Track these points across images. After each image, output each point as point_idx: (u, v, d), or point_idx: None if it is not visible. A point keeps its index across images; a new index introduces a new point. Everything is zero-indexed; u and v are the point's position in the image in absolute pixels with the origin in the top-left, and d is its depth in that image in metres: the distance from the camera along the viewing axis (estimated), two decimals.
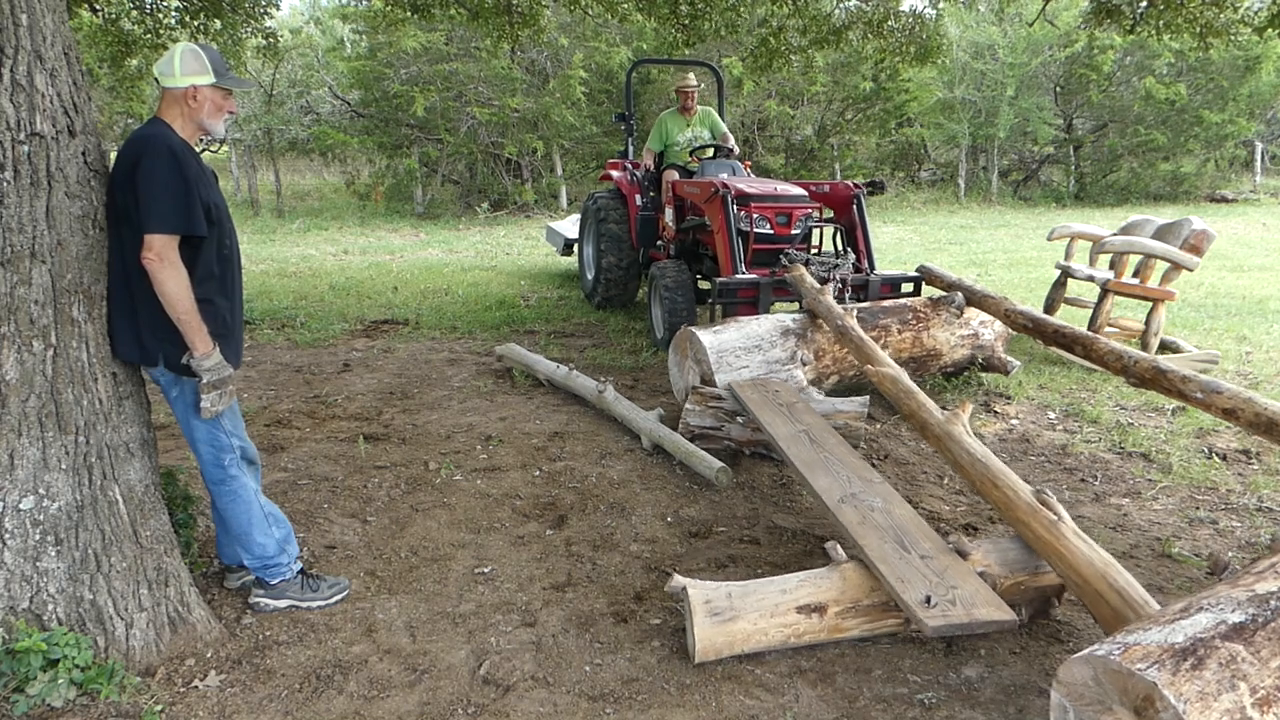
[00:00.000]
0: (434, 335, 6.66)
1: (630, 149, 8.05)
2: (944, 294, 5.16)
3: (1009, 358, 5.37)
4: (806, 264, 5.42)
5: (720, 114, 7.76)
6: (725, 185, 5.72)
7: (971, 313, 5.17)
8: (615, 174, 7.44)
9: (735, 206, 5.62)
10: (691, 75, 7.46)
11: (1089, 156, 19.68)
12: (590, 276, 7.69)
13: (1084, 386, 5.36)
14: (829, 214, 6.16)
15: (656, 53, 14.93)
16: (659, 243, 6.98)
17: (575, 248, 8.87)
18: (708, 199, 5.82)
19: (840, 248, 6.03)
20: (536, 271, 10.10)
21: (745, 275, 5.37)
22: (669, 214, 6.73)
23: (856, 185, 6.09)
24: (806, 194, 5.96)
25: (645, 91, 17.62)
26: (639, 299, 7.69)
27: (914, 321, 5.01)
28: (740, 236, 5.60)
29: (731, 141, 7.16)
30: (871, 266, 5.81)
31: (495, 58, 14.93)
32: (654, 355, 6.06)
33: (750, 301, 5.26)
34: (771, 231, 5.70)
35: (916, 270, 5.44)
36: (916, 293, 5.53)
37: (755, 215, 5.68)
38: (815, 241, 6.08)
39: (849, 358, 4.75)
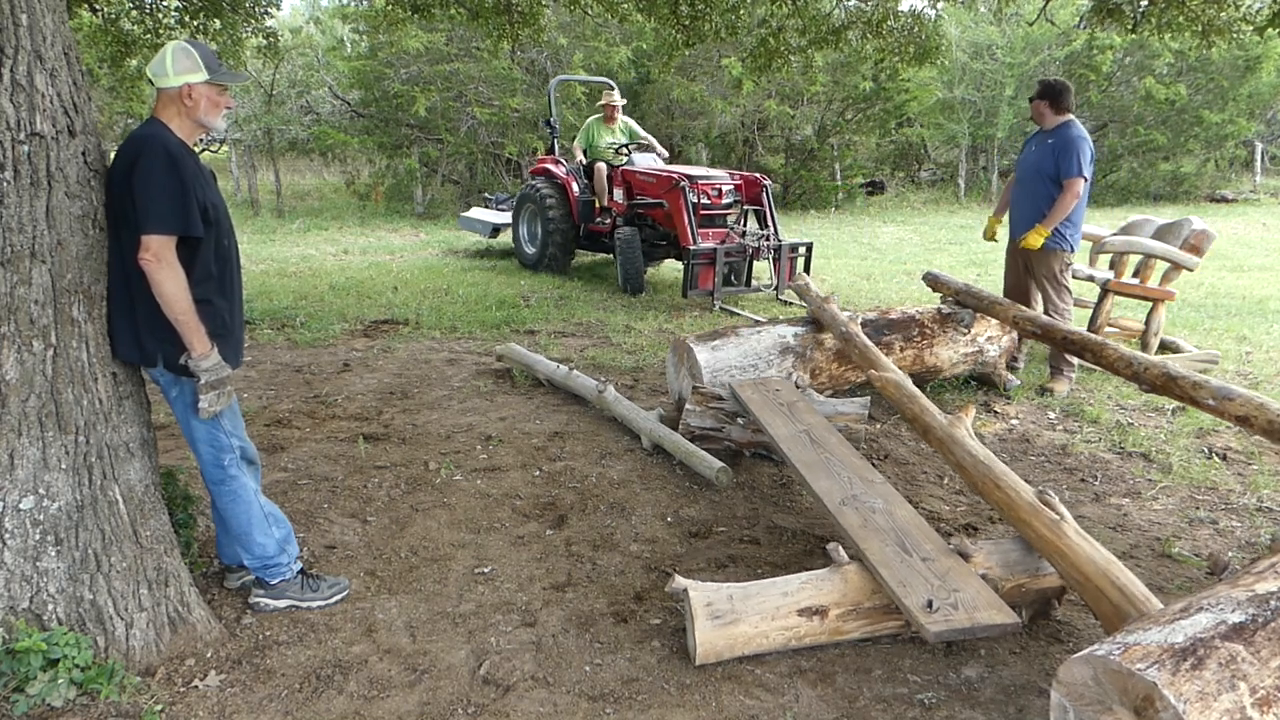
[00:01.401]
0: (434, 335, 6.66)
1: (555, 148, 10.31)
2: (953, 310, 5.05)
3: (1010, 376, 5.28)
4: (743, 234, 8.09)
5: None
6: (683, 177, 7.95)
7: (979, 327, 5.07)
8: (554, 168, 9.54)
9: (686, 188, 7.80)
10: (616, 92, 9.64)
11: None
12: (533, 250, 9.86)
13: (1084, 386, 5.36)
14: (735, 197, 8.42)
15: (658, 54, 14.93)
16: (596, 219, 9.18)
17: (499, 231, 11.05)
18: (669, 189, 7.97)
19: (760, 225, 8.41)
20: (536, 271, 10.11)
21: (706, 244, 7.69)
22: (617, 194, 8.81)
23: (763, 177, 8.51)
24: (728, 175, 8.46)
25: (646, 91, 17.63)
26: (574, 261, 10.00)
27: (919, 339, 4.93)
28: (689, 208, 7.81)
29: (652, 140, 9.43)
30: (779, 239, 8.14)
31: (495, 58, 14.92)
32: (654, 355, 6.07)
33: (709, 263, 7.55)
34: (709, 202, 8.00)
35: (923, 277, 5.44)
36: (808, 257, 8.09)
37: (699, 191, 7.93)
38: (739, 222, 8.40)
39: (845, 374, 4.73)
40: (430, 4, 7.61)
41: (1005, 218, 5.51)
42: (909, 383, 3.69)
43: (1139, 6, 6.94)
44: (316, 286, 8.69)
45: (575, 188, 9.24)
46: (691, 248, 7.53)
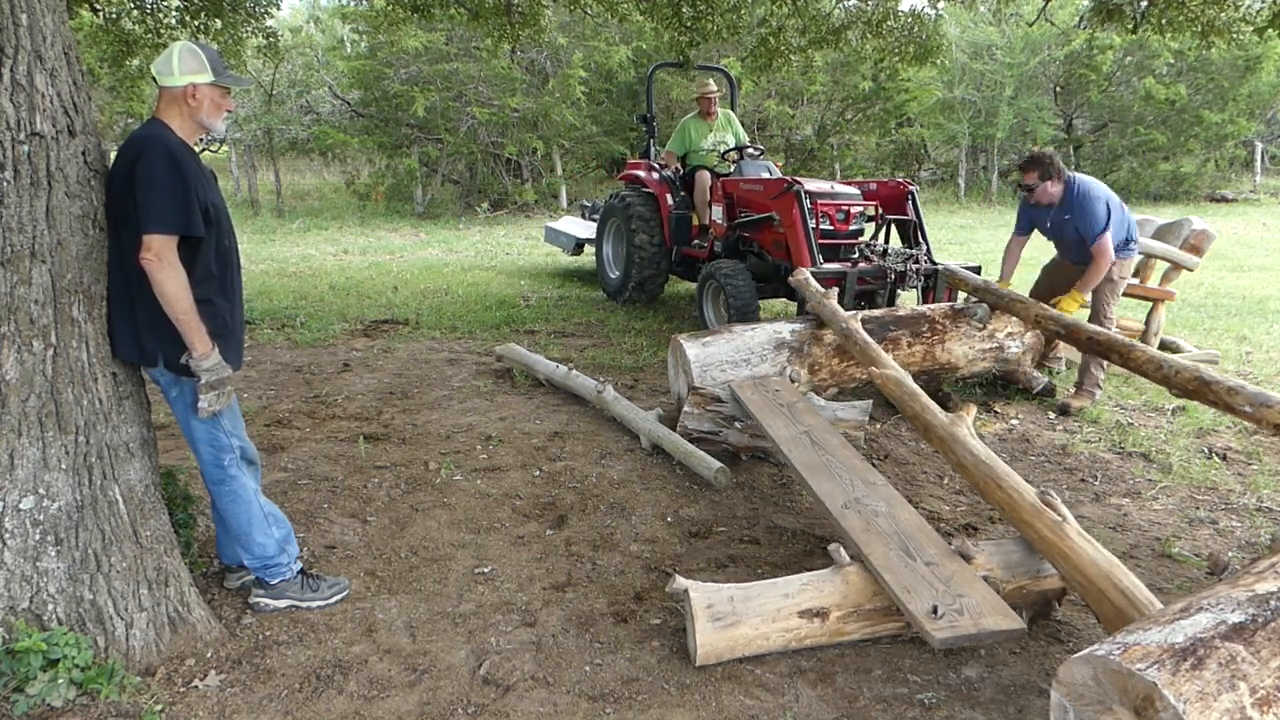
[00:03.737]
0: (434, 335, 6.66)
1: (652, 150, 8.13)
2: (966, 305, 4.96)
3: (1036, 374, 5.14)
4: (884, 254, 5.94)
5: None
6: (798, 182, 6.01)
7: (999, 322, 4.95)
8: (643, 175, 7.64)
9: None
10: (712, 81, 7.64)
11: (1089, 156, 19.68)
12: (617, 274, 7.89)
13: None
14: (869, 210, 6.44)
15: (657, 54, 14.94)
16: (694, 241, 7.30)
17: (584, 247, 9.11)
18: (778, 195, 6.08)
19: (904, 242, 6.39)
20: (536, 271, 10.10)
21: (831, 265, 5.67)
22: (716, 212, 6.91)
23: (909, 182, 6.46)
24: (860, 193, 6.33)
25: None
26: (662, 294, 8.00)
27: (928, 334, 4.79)
28: (806, 220, 5.88)
29: (756, 144, 7.49)
30: (932, 260, 5.98)
31: (495, 58, 14.93)
32: (654, 355, 6.06)
33: (836, 290, 5.40)
34: (832, 228, 5.99)
35: (940, 271, 5.35)
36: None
37: (819, 212, 5.96)
38: (869, 238, 6.35)
39: (848, 370, 4.64)
40: (430, 4, 7.62)
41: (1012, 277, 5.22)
42: (910, 380, 3.66)
43: (1139, 7, 6.94)
44: (316, 286, 8.69)
45: (670, 200, 7.36)
46: (810, 270, 5.27)
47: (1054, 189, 4.78)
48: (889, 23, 7.55)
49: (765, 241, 6.41)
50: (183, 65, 2.43)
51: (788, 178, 6.21)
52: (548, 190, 17.05)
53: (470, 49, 15.47)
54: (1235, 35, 6.96)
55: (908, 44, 7.65)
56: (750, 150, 7.17)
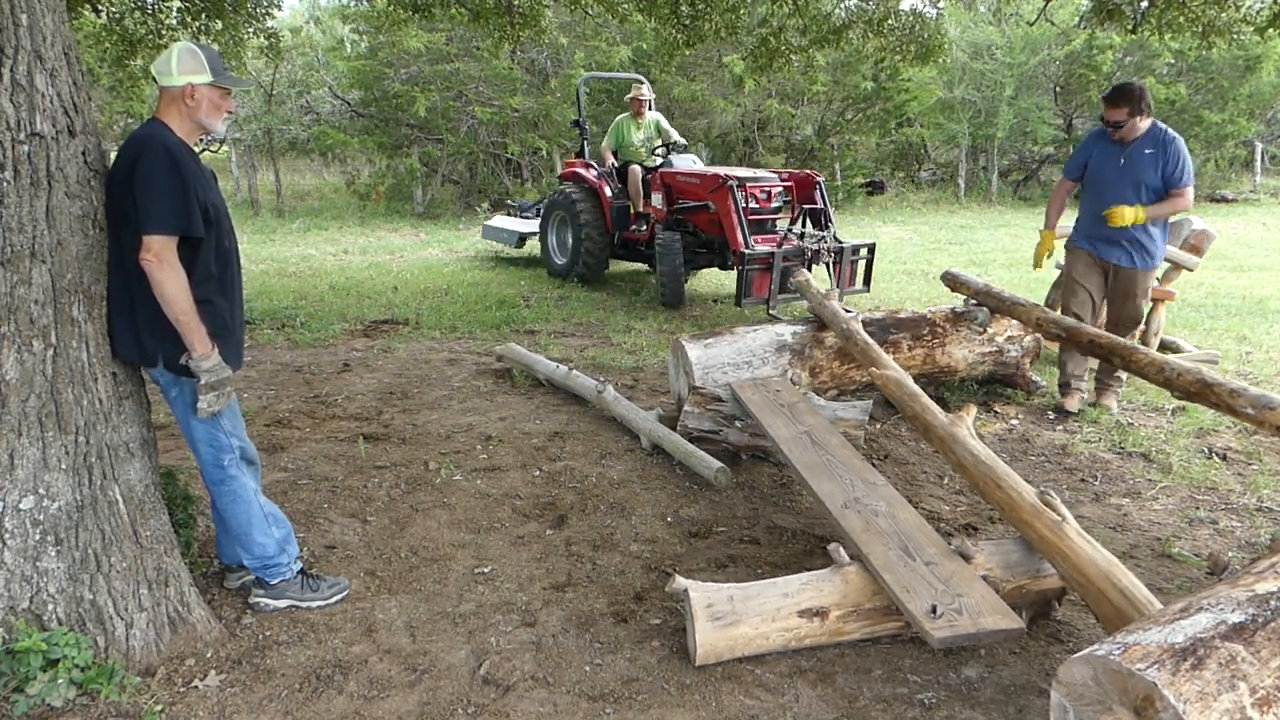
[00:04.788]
0: (434, 335, 6.66)
1: (586, 150, 9.56)
2: (967, 309, 4.95)
3: (1035, 377, 5.14)
4: (801, 237, 7.27)
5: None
6: (729, 176, 7.25)
7: (999, 326, 4.93)
8: (583, 172, 8.87)
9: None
10: (645, 87, 8.90)
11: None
12: (564, 260, 9.18)
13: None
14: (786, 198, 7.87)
15: (658, 53, 14.94)
16: (632, 226, 8.59)
17: (526, 240, 10.49)
18: (714, 189, 7.33)
19: (813, 225, 7.62)
20: (536, 271, 10.11)
21: (762, 246, 6.98)
22: (657, 199, 8.17)
23: (817, 174, 7.84)
24: (776, 176, 7.81)
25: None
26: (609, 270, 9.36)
27: (929, 337, 4.80)
28: (739, 210, 7.17)
29: (681, 139, 8.96)
30: (839, 240, 7.28)
31: (496, 58, 14.93)
32: (654, 355, 6.06)
33: (766, 268, 6.76)
34: (758, 206, 7.38)
35: (942, 276, 5.37)
36: (870, 259, 7.30)
37: (748, 194, 7.27)
38: (797, 226, 7.61)
39: (849, 373, 4.66)
40: (431, 4, 7.61)
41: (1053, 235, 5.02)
42: (910, 381, 3.66)
43: (1139, 7, 6.94)
44: (316, 286, 8.70)
45: (608, 192, 8.62)
46: (745, 252, 6.72)
47: (1142, 124, 4.56)
48: (890, 22, 7.54)
49: (700, 222, 7.87)
50: (181, 65, 2.43)
51: (720, 173, 7.47)
52: (548, 190, 17.06)
53: (471, 49, 15.47)
54: (1235, 35, 6.95)
55: (909, 44, 7.65)
56: (681, 145, 8.76)
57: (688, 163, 8.43)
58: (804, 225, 7.54)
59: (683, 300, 7.87)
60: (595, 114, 16.87)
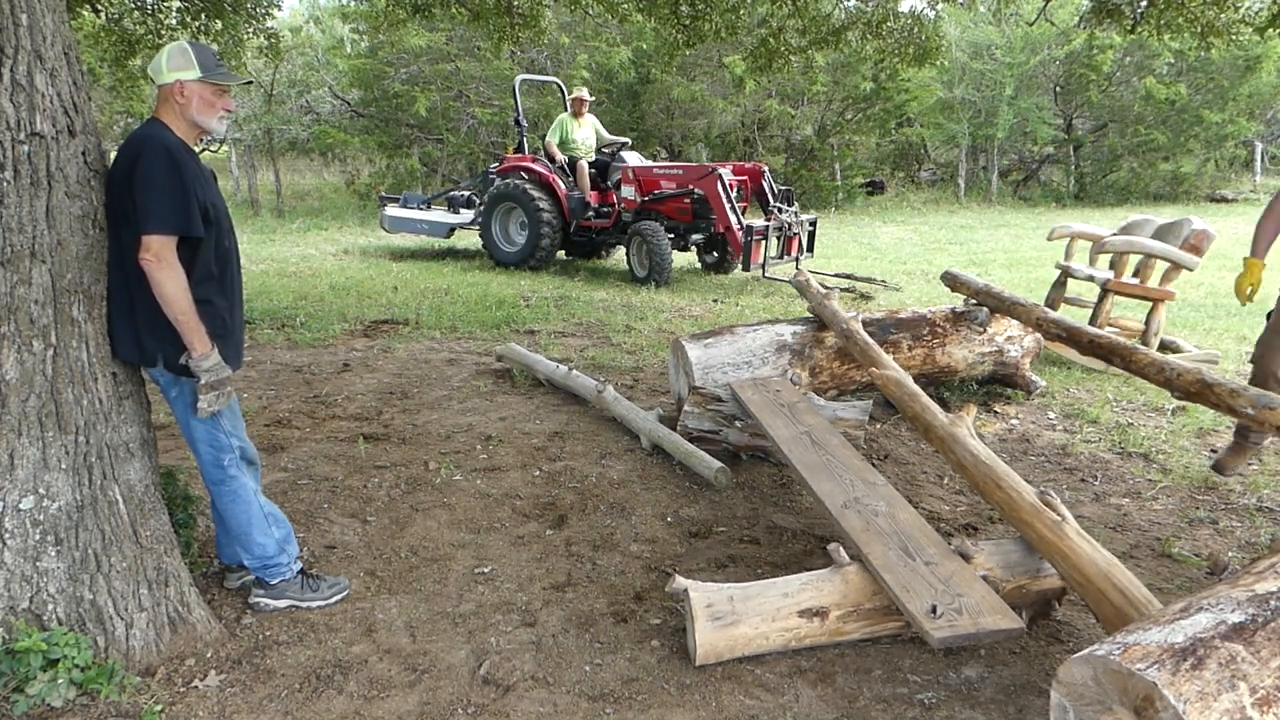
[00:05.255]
0: (434, 335, 6.66)
1: (525, 146, 10.51)
2: (967, 309, 4.94)
3: (1035, 377, 5.12)
4: (780, 212, 8.78)
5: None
6: (719, 167, 8.78)
7: (999, 326, 4.93)
8: (535, 166, 9.62)
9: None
10: (586, 90, 10.09)
11: (1089, 156, 19.69)
12: (516, 248, 9.91)
13: (1084, 386, 5.36)
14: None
15: (658, 54, 14.97)
16: (586, 214, 9.56)
17: (454, 231, 11.08)
18: (703, 176, 8.76)
19: (763, 208, 9.03)
20: (536, 271, 10.11)
21: (757, 221, 8.52)
22: (629, 191, 9.28)
23: (761, 164, 9.24)
24: (731, 170, 9.08)
25: (646, 91, 17.61)
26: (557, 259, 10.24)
27: (929, 337, 4.79)
28: (727, 193, 8.54)
29: (623, 139, 10.28)
30: (798, 215, 8.97)
31: (496, 58, 14.94)
32: (654, 355, 6.07)
33: (763, 238, 8.43)
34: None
35: (942, 276, 5.37)
36: (813, 231, 9.10)
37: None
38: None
39: (849, 373, 4.65)
40: (431, 4, 7.62)
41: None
42: (910, 381, 3.66)
43: (1138, 7, 6.94)
44: (316, 286, 8.69)
45: (562, 185, 9.46)
46: (749, 225, 8.35)
47: None
48: (889, 24, 7.55)
49: (670, 211, 9.06)
50: (171, 63, 2.43)
51: (708, 164, 9.01)
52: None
53: (471, 49, 15.48)
54: (1234, 36, 6.95)
55: (907, 45, 7.65)
56: (627, 144, 10.07)
57: (636, 158, 9.77)
58: (775, 206, 8.96)
59: (670, 279, 8.88)
60: (594, 114, 16.90)
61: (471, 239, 11.64)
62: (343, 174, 19.67)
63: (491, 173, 10.44)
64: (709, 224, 8.94)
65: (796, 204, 9.06)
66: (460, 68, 15.41)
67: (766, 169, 9.18)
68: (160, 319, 2.39)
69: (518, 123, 10.53)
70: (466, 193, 11.73)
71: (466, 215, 11.08)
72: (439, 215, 11.27)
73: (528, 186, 9.49)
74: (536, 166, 9.62)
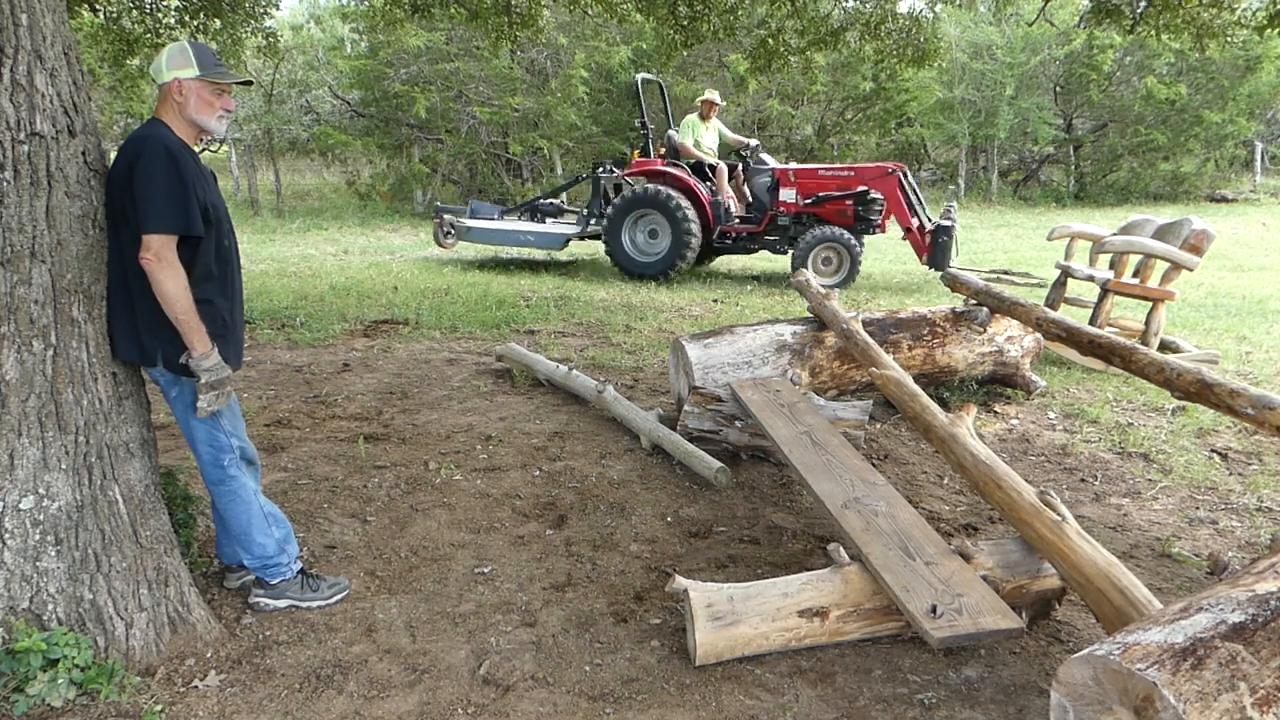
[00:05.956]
0: (434, 335, 6.66)
1: (651, 149, 9.91)
2: (967, 309, 4.93)
3: (1035, 377, 5.10)
4: (944, 214, 8.62)
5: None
6: (899, 167, 8.76)
7: (999, 326, 4.93)
8: (677, 171, 9.23)
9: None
10: (717, 93, 9.80)
11: (1089, 156, 19.69)
12: (655, 257, 9.35)
13: (1084, 386, 5.36)
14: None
15: (657, 54, 14.98)
16: (733, 219, 9.35)
17: (569, 242, 10.30)
18: (881, 177, 8.72)
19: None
20: (536, 271, 10.11)
21: (945, 222, 8.38)
22: (788, 195, 9.03)
23: (902, 165, 9.03)
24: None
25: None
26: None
27: (929, 337, 4.79)
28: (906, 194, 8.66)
29: (754, 140, 9.88)
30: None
31: (495, 57, 14.95)
32: (654, 355, 6.07)
33: (950, 238, 8.36)
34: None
35: (942, 277, 5.35)
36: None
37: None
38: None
39: (849, 373, 4.64)
40: (430, 4, 7.62)
41: None
42: (910, 381, 3.66)
43: (1137, 7, 6.95)
44: (316, 286, 8.69)
45: (703, 190, 9.12)
46: (940, 224, 8.31)
47: None
48: (887, 25, 7.55)
49: (829, 215, 8.82)
50: (170, 62, 2.43)
51: (885, 164, 8.78)
52: (548, 189, 17.05)
53: (471, 48, 15.49)
54: (1230, 38, 6.96)
55: (906, 46, 7.66)
56: (757, 144, 9.63)
57: (773, 160, 9.50)
58: (916, 205, 8.81)
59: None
60: (595, 114, 16.89)
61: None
62: (343, 174, 19.68)
63: (602, 176, 9.81)
64: (871, 226, 8.70)
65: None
66: (460, 67, 15.41)
67: (905, 168, 8.95)
68: (160, 319, 2.39)
69: (642, 125, 9.96)
70: (554, 201, 10.88)
71: (557, 225, 10.29)
72: (550, 226, 10.38)
73: (670, 192, 9.02)
74: (675, 171, 9.19)
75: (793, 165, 9.31)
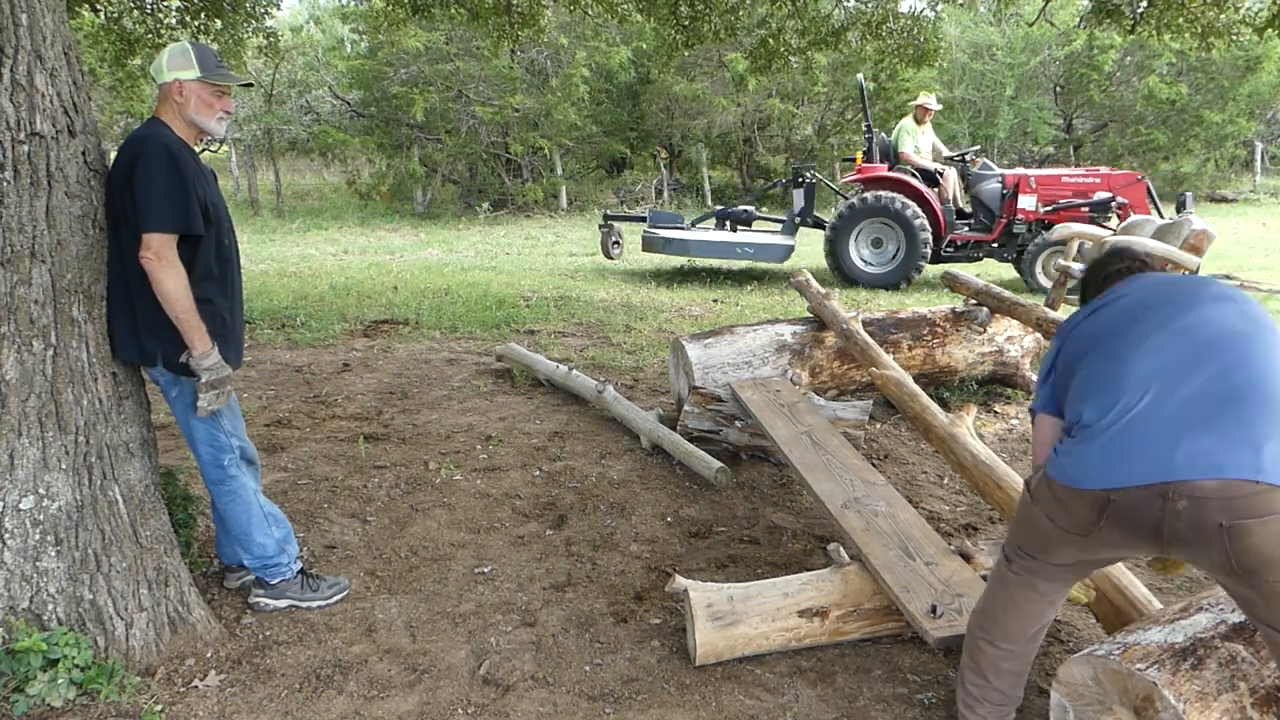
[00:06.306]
0: (434, 335, 6.66)
1: (875, 154, 9.44)
2: (967, 309, 4.93)
3: (1035, 377, 5.15)
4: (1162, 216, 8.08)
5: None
6: (1144, 176, 8.69)
7: (999, 326, 4.93)
8: (905, 178, 9.03)
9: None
10: (934, 97, 9.54)
11: (1089, 156, 19.67)
12: (885, 269, 9.14)
13: None
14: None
15: (658, 54, 14.98)
16: (962, 226, 9.20)
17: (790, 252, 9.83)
18: (1131, 184, 8.62)
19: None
20: (536, 271, 10.11)
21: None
22: (1027, 202, 8.77)
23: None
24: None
25: (645, 91, 17.58)
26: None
27: (929, 337, 4.80)
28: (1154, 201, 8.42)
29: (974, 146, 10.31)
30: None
31: (495, 57, 14.95)
32: (654, 355, 6.07)
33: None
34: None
35: (942, 277, 5.35)
36: None
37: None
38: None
39: (849, 373, 4.64)
40: (430, 4, 7.62)
41: None
42: (910, 381, 3.66)
43: (1138, 7, 6.95)
44: (316, 286, 8.70)
45: (933, 197, 8.97)
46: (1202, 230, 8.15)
47: None
48: (888, 24, 7.55)
49: (1063, 221, 8.27)
50: (170, 63, 2.43)
51: (1132, 172, 8.94)
52: (548, 190, 17.07)
53: (471, 48, 15.49)
54: (1234, 37, 6.95)
55: (907, 46, 7.65)
56: (978, 149, 9.72)
57: (993, 166, 9.30)
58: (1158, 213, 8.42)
59: None
60: (595, 114, 16.88)
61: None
62: (343, 174, 19.68)
63: (812, 181, 9.57)
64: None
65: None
66: (460, 67, 15.42)
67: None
68: (160, 318, 2.39)
69: (867, 130, 9.57)
70: (747, 208, 10.16)
71: (769, 234, 9.78)
72: (768, 237, 9.72)
73: (904, 200, 8.84)
74: (905, 178, 9.00)
75: (1031, 171, 9.13)
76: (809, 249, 10.90)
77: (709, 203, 18.21)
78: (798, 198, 9.76)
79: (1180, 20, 6.65)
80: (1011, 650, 1.97)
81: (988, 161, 9.32)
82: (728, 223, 9.93)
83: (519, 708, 2.35)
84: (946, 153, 9.54)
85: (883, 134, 9.64)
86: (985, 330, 4.90)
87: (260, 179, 17.73)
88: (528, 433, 4.44)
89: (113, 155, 2.45)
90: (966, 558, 2.66)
